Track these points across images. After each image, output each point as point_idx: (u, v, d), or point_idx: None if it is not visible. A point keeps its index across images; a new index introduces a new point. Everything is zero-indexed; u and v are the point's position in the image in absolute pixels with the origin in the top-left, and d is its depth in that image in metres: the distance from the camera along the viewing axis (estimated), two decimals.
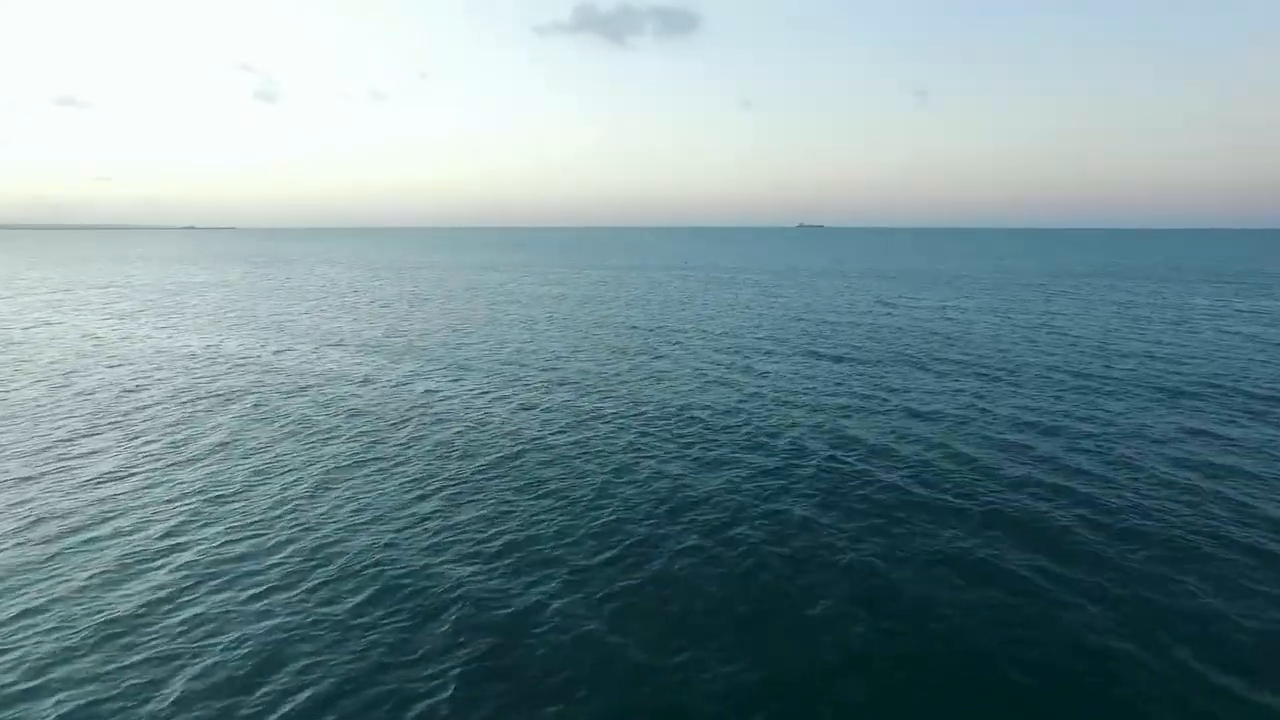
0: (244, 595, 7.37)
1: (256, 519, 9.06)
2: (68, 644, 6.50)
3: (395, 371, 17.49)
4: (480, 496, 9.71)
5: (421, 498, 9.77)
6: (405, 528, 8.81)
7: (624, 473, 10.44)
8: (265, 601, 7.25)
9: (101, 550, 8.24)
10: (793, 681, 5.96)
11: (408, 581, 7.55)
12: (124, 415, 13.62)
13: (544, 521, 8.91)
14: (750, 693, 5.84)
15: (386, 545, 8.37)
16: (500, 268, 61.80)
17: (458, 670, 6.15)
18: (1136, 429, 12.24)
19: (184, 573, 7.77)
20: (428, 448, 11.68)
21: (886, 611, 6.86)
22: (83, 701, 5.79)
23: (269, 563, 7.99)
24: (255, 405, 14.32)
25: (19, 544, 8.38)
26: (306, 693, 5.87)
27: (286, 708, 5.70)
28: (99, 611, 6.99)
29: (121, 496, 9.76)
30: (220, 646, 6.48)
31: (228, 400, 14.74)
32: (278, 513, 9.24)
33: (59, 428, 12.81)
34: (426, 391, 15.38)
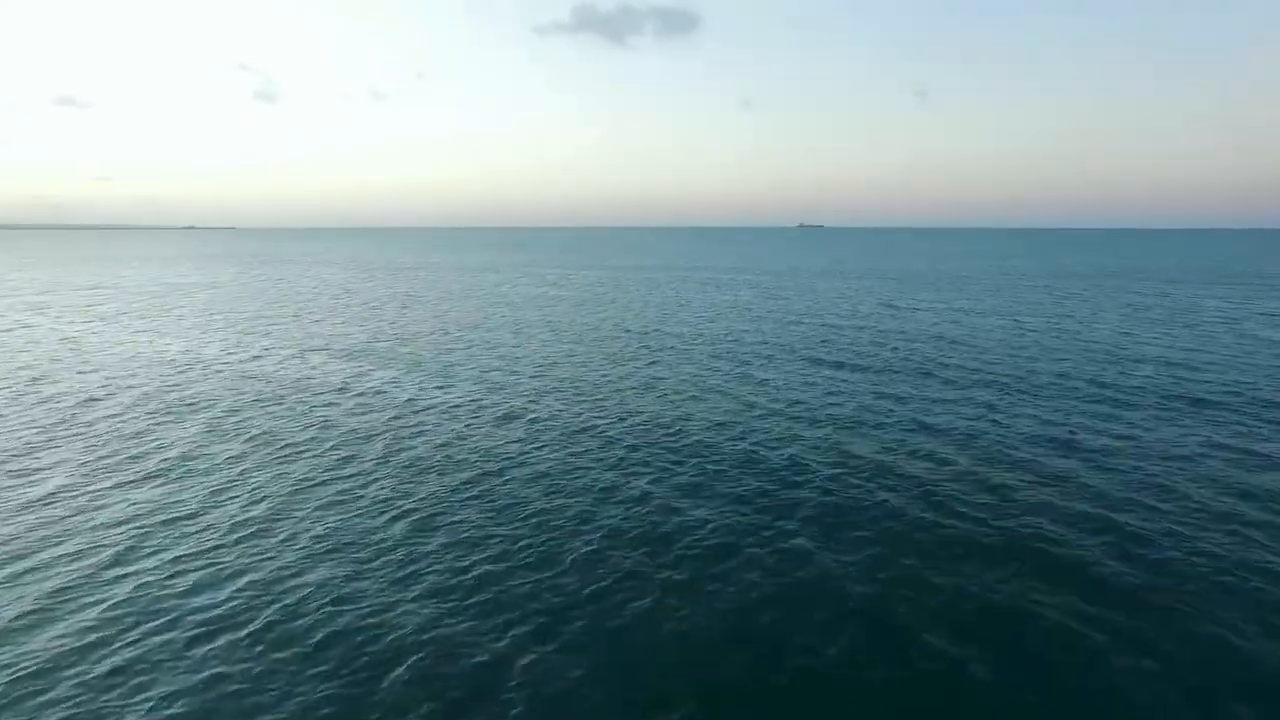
0: (185, 637, 6.59)
1: (210, 546, 8.28)
2: None
3: (376, 378, 16.71)
4: (456, 520, 8.93)
5: (393, 520, 9.00)
6: (371, 558, 8.04)
7: (612, 494, 9.67)
8: (208, 645, 6.47)
9: (34, 583, 7.46)
10: None
11: (369, 621, 6.78)
12: (86, 426, 12.84)
13: (523, 550, 8.13)
14: None
15: (349, 578, 7.59)
16: (498, 268, 61.00)
17: None
18: (1162, 444, 11.46)
19: (122, 610, 6.99)
20: (403, 464, 10.90)
21: (903, 662, 6.09)
22: None
23: (218, 597, 7.22)
24: (224, 415, 13.54)
25: None
26: None
27: None
28: (12, 664, 6.21)
29: (67, 519, 8.97)
30: (149, 703, 5.71)
31: (196, 410, 13.95)
32: (234, 538, 8.46)
33: (15, 439, 12.04)
34: (407, 400, 14.60)
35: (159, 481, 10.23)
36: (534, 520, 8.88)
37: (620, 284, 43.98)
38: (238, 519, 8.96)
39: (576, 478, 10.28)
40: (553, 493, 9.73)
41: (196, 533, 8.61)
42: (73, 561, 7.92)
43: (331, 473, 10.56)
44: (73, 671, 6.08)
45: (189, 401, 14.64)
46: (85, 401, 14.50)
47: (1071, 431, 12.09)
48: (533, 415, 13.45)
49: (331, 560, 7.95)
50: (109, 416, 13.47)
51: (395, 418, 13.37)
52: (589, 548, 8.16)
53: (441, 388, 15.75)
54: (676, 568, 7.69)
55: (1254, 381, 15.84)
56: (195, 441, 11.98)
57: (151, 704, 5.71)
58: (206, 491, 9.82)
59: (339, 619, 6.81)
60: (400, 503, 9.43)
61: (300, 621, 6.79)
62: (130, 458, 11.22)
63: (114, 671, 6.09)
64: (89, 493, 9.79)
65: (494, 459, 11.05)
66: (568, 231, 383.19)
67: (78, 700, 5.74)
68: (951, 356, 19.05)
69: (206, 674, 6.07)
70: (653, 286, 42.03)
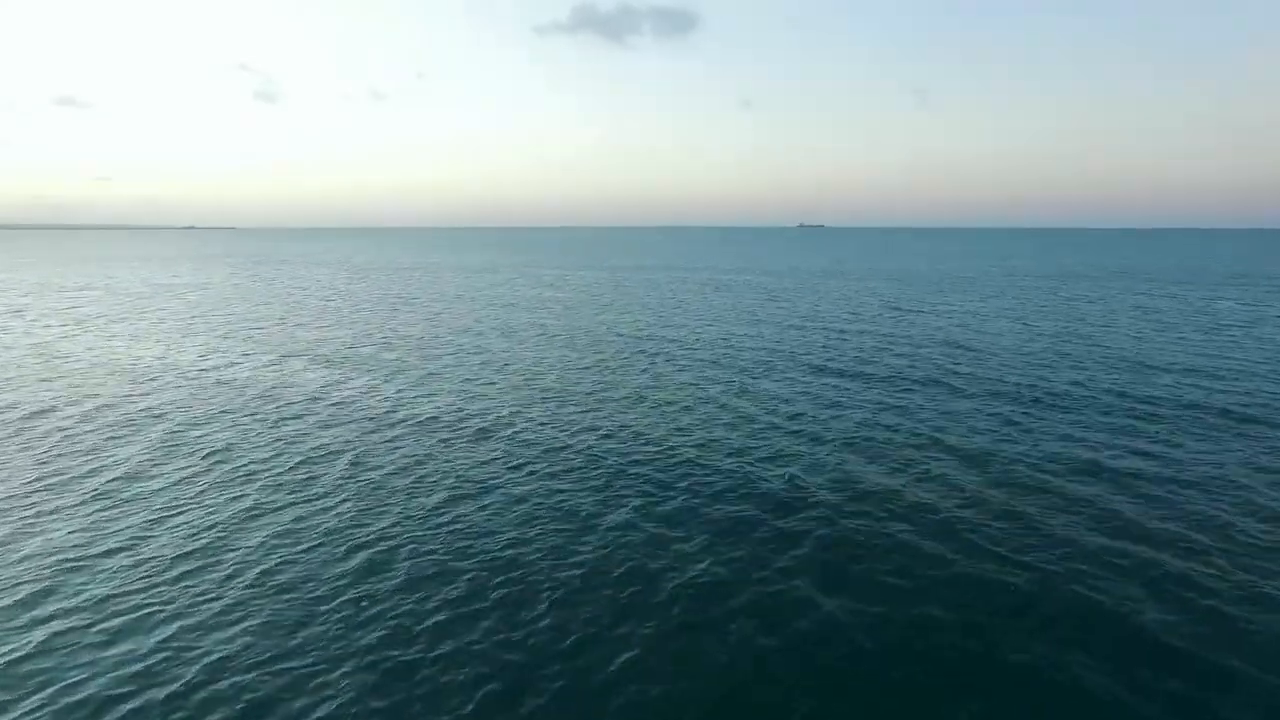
0: (97, 699, 5.71)
1: (138, 585, 7.38)
2: None
3: (353, 387, 15.81)
4: (423, 552, 8.03)
5: (355, 550, 8.10)
6: (324, 597, 7.15)
7: (594, 524, 8.76)
8: (118, 710, 5.59)
9: None
10: None
11: (313, 682, 5.89)
12: (31, 442, 11.93)
13: (495, 590, 7.24)
14: None
15: (295, 624, 6.70)
16: (497, 268, 60.08)
17: None
18: (1199, 467, 10.51)
19: (31, 665, 6.10)
20: (370, 485, 10.00)
21: None
22: None
23: (142, 649, 6.32)
24: (185, 428, 12.64)
25: None
26: None
27: None
28: None
29: None
30: None
31: (157, 421, 13.05)
32: (168, 576, 7.56)
33: None
34: (384, 413, 13.69)
35: (99, 506, 9.33)
36: (507, 555, 7.98)
37: (619, 285, 43.07)
38: (175, 553, 8.05)
39: (558, 503, 9.38)
40: (530, 521, 8.83)
41: (127, 568, 7.71)
42: None
43: (291, 495, 9.66)
44: None
45: (153, 412, 13.75)
46: (38, 413, 13.60)
47: (1096, 450, 11.19)
48: (514, 430, 12.54)
49: (276, 602, 7.05)
50: (61, 429, 12.58)
51: (368, 431, 12.48)
52: (567, 589, 7.26)
53: (421, 397, 14.85)
54: (664, 614, 6.79)
55: None
56: (149, 459, 11.08)
57: None
58: (145, 519, 8.90)
59: (274, 680, 5.92)
60: (359, 533, 8.52)
61: (227, 683, 5.89)
62: (75, 477, 10.33)
63: None
64: (18, 520, 8.89)
65: (469, 481, 10.14)
66: (568, 231, 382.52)
67: None
68: (960, 363, 18.15)
69: None
70: (651, 287, 41.13)
